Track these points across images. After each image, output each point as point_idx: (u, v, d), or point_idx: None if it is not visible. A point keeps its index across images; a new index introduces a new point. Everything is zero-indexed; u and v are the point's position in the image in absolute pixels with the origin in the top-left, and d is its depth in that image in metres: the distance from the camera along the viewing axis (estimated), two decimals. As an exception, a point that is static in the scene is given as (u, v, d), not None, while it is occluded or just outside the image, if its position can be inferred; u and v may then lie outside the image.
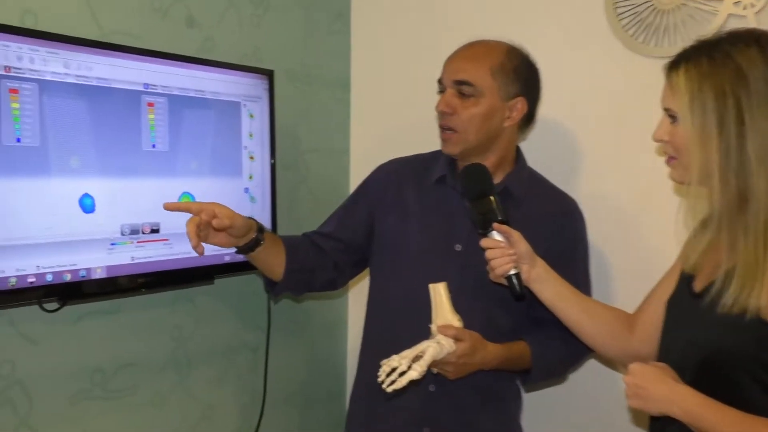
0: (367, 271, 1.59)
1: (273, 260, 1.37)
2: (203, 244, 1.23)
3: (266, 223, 1.66)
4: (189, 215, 1.22)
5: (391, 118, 1.99)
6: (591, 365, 1.68)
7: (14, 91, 1.27)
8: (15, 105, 1.27)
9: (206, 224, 1.22)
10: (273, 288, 1.43)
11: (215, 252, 1.52)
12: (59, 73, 1.33)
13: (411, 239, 1.40)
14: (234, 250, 1.34)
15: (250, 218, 1.31)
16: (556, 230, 1.39)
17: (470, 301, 1.31)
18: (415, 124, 1.91)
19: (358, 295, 2.06)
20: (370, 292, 1.49)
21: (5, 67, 1.26)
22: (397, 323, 1.38)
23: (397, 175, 1.47)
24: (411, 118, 1.93)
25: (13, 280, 1.29)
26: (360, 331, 1.52)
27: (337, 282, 1.48)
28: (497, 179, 1.38)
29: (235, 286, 1.75)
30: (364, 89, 2.03)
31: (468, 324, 1.23)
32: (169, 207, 1.22)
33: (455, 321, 1.22)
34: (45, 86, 1.31)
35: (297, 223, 1.76)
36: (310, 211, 1.89)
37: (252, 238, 1.30)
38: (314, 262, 1.42)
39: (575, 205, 1.45)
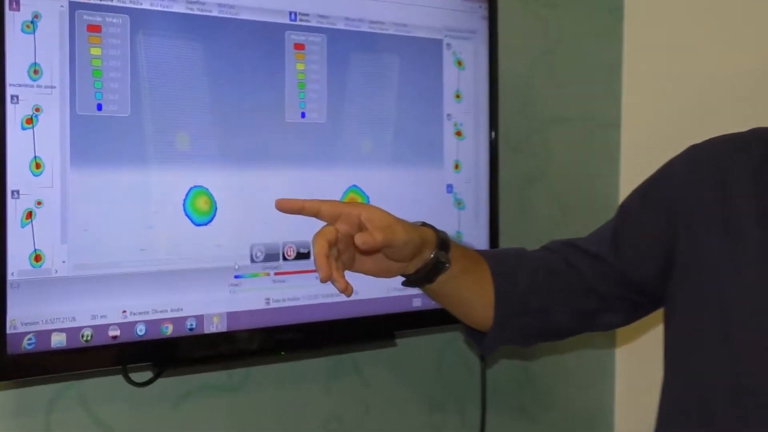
0: (650, 324, 1.51)
1: (471, 294, 1.30)
2: (350, 273, 1.15)
3: (482, 241, 1.64)
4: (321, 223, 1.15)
5: (699, 65, 1.89)
6: None
7: (95, 28, 1.27)
8: (95, 51, 1.27)
9: (347, 240, 1.14)
10: (479, 341, 1.36)
11: (399, 292, 1.49)
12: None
13: (750, 280, 1.25)
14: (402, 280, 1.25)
15: (423, 225, 1.24)
16: None
17: None
18: (740, 77, 1.82)
19: (633, 378, 1.95)
20: (667, 368, 1.35)
21: (82, -9, 1.28)
22: (724, 428, 1.25)
23: (720, 167, 1.32)
24: (734, 64, 1.83)
25: (87, 332, 1.28)
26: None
27: (597, 322, 1.38)
28: None
29: (431, 349, 1.74)
30: (648, 14, 1.95)
31: None
32: (283, 206, 1.14)
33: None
34: (140, 20, 1.31)
35: (532, 242, 1.66)
36: (553, 224, 1.87)
37: (428, 260, 1.21)
38: (551, 294, 1.34)
39: None
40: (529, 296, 1.32)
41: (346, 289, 1.10)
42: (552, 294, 1.33)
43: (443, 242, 1.23)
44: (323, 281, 1.09)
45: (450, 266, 1.23)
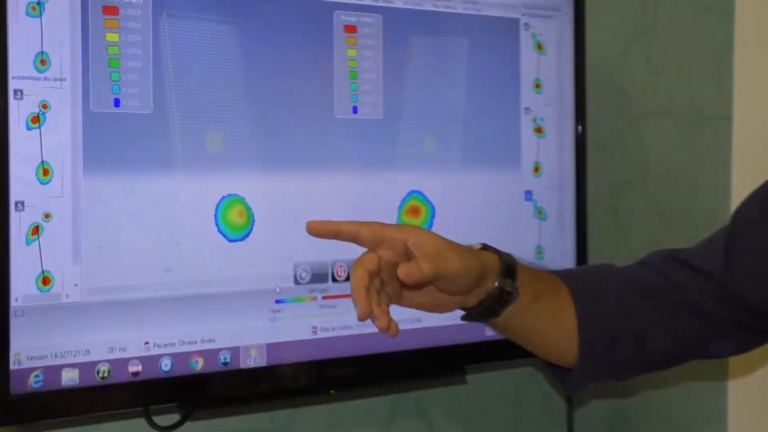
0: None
1: (548, 325, 1.28)
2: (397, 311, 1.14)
3: (568, 258, 1.67)
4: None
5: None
6: None
7: (111, 10, 1.28)
8: (112, 37, 1.28)
9: (392, 269, 1.12)
10: (563, 380, 1.35)
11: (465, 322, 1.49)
12: (191, -26, 1.39)
13: None
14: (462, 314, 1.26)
15: (484, 248, 1.22)
16: None
17: None
18: None
19: (749, 418, 1.88)
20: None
21: (95, -34, 1.30)
22: None
23: None
24: None
25: (104, 367, 1.28)
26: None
27: (704, 349, 1.36)
28: None
29: (507, 386, 1.76)
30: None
31: None
32: (315, 229, 1.13)
33: None
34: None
35: (626, 259, 1.63)
36: (652, 237, 1.86)
37: (491, 290, 1.19)
38: (648, 316, 1.31)
39: None
40: (620, 321, 1.29)
41: (389, 328, 1.08)
42: (648, 316, 1.31)
43: (508, 268, 1.21)
44: (361, 319, 1.07)
45: (518, 296, 1.21)
